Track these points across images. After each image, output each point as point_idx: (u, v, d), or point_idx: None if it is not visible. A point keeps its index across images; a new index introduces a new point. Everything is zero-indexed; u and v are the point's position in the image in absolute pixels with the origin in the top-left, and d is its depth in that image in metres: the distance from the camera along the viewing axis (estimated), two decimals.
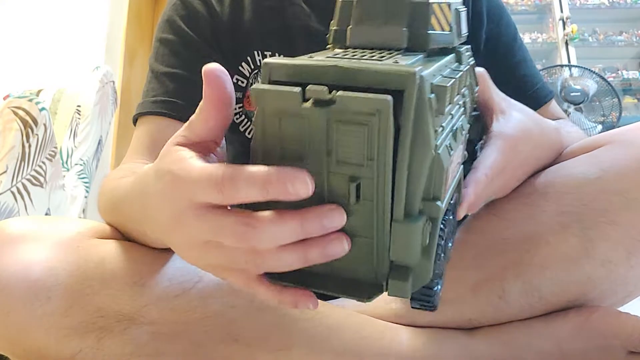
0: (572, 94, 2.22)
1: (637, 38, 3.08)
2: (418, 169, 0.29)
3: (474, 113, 0.48)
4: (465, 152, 0.43)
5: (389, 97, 0.27)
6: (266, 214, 0.30)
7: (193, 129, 0.34)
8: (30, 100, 1.11)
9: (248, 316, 0.48)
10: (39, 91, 1.57)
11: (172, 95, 0.66)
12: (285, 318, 0.49)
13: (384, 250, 0.30)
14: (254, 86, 0.29)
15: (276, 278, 0.33)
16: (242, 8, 0.70)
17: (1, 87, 1.70)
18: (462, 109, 0.39)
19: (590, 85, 2.23)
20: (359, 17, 0.36)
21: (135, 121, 0.68)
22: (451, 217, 0.37)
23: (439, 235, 0.32)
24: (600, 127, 2.20)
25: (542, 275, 0.50)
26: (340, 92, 0.28)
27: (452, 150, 0.33)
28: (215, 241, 0.31)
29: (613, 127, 2.19)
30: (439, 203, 0.31)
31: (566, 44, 2.85)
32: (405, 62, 0.31)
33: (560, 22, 2.90)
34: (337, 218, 0.30)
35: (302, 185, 0.28)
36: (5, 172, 1.06)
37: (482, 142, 0.48)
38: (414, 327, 0.53)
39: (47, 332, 0.44)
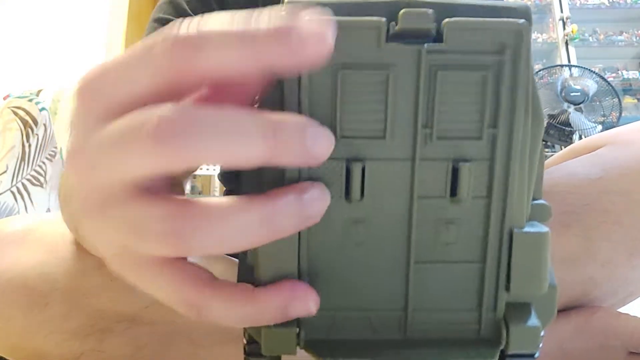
0: (572, 94, 2.22)
1: (637, 38, 3.08)
2: (534, 152, 0.20)
3: None
4: None
5: (525, 22, 0.18)
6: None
7: None
8: (30, 100, 1.11)
9: None
10: (39, 91, 1.57)
11: None
12: None
13: (495, 280, 0.21)
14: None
15: (326, 355, 0.22)
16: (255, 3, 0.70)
17: (1, 87, 1.70)
18: None
19: (590, 85, 2.23)
20: None
21: None
22: None
23: None
24: (600, 127, 2.20)
25: None
26: (447, 20, 0.18)
27: None
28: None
29: (613, 127, 2.19)
30: (546, 202, 0.22)
31: (566, 44, 2.85)
32: None
33: (560, 22, 2.90)
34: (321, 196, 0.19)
35: (318, 36, 0.17)
36: (5, 172, 1.06)
37: None
38: None
39: (48, 337, 0.44)
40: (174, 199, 0.19)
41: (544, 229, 0.21)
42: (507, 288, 0.21)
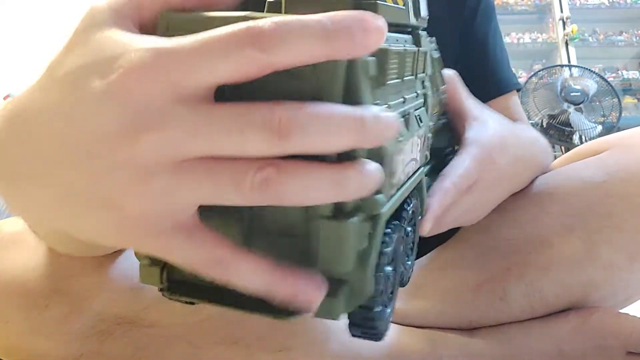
0: (572, 94, 2.22)
1: (637, 38, 3.08)
2: None
3: (442, 120, 0.44)
4: (427, 154, 0.37)
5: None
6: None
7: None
8: None
9: (248, 317, 0.48)
10: None
11: None
12: None
13: (310, 256, 0.24)
14: None
15: (172, 289, 0.27)
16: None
17: (1, 87, 1.70)
18: (421, 99, 0.34)
19: (590, 85, 2.23)
20: None
21: None
22: (409, 229, 0.32)
23: (385, 242, 0.26)
24: (600, 127, 2.20)
25: (545, 277, 0.50)
26: None
27: (401, 137, 0.27)
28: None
29: (613, 127, 2.19)
30: (379, 197, 0.24)
31: (566, 44, 2.85)
32: None
33: (560, 22, 2.90)
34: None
35: (377, 31, 0.20)
36: None
37: (450, 150, 0.45)
38: (414, 327, 0.53)
39: (47, 338, 0.44)
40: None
41: (349, 219, 0.23)
42: (315, 264, 0.24)
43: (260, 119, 0.20)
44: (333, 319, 0.25)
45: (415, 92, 0.33)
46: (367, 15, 0.20)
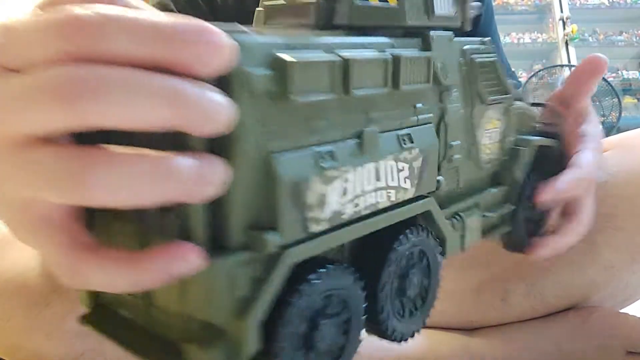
0: None
1: (637, 38, 3.08)
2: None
3: (534, 137, 0.39)
4: (441, 179, 0.30)
5: None
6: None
7: None
8: None
9: None
10: None
11: None
12: None
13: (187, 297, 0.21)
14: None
15: (91, 319, 0.25)
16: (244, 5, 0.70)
17: None
18: (425, 115, 0.29)
19: None
20: None
21: None
22: (411, 272, 0.28)
23: (298, 289, 0.22)
24: (600, 127, 2.20)
25: (546, 278, 0.50)
26: None
27: (334, 162, 0.23)
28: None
29: (613, 127, 2.19)
30: (270, 235, 0.20)
31: (566, 44, 2.85)
32: (271, 35, 0.22)
33: (560, 22, 2.90)
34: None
35: (219, 49, 0.18)
36: None
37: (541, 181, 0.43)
38: None
39: (48, 337, 0.44)
40: (76, 145, 0.19)
41: (219, 259, 0.20)
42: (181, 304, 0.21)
43: (48, 83, 0.17)
44: None
45: (412, 105, 0.28)
46: (214, 30, 0.18)
